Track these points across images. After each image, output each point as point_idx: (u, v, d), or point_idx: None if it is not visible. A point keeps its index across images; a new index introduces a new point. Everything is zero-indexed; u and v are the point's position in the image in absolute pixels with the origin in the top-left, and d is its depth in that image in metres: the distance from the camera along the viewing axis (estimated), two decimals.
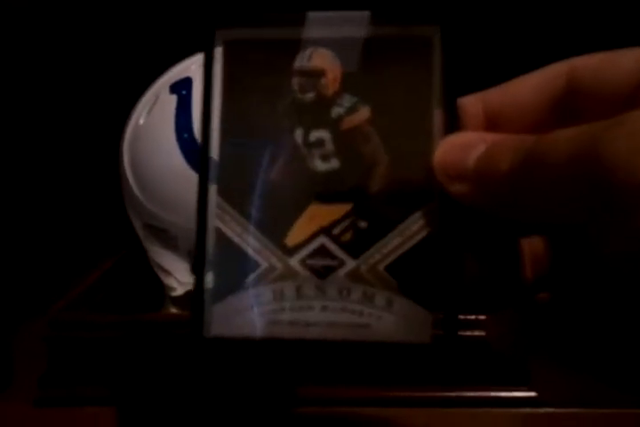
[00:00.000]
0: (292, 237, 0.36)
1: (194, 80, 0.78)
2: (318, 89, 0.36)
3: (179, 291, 0.79)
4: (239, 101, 0.37)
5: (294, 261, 0.35)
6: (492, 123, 0.35)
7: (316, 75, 0.36)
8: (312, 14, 0.37)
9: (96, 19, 0.96)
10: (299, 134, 0.36)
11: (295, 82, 0.36)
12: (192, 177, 0.73)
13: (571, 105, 0.34)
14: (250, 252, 0.36)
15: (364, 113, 0.36)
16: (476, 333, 0.57)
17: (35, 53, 0.88)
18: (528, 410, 0.67)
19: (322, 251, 0.35)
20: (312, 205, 0.36)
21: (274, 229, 0.36)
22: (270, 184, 0.36)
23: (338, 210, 0.35)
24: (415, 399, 0.68)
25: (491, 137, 0.33)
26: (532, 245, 0.35)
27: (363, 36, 0.36)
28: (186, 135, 0.76)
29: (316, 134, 0.36)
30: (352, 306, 0.35)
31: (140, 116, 0.81)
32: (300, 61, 0.36)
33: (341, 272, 0.35)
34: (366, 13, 0.36)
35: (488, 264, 0.35)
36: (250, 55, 0.37)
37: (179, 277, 0.79)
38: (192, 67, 0.81)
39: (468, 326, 0.56)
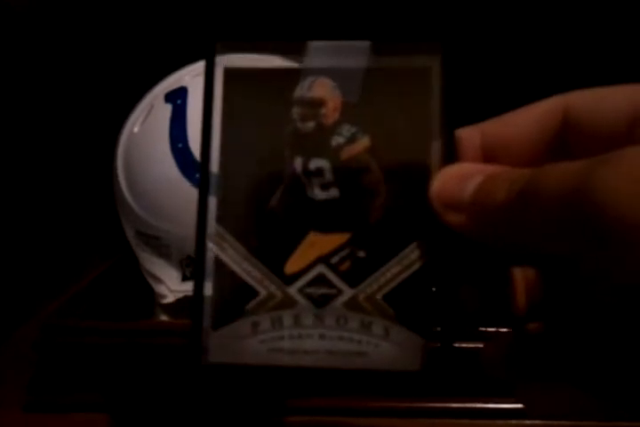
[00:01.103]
0: (291, 266, 0.36)
1: (189, 90, 0.79)
2: (318, 118, 0.36)
3: (169, 298, 0.79)
4: (239, 129, 0.37)
5: (293, 290, 0.36)
6: (490, 155, 0.36)
7: (316, 104, 0.36)
8: (313, 43, 0.37)
9: (92, 27, 0.96)
10: (298, 163, 0.36)
11: (295, 111, 0.37)
12: (185, 186, 0.75)
13: (567, 139, 0.34)
14: (248, 280, 0.36)
15: (363, 143, 0.36)
16: (463, 345, 0.57)
17: (31, 60, 0.88)
18: (515, 422, 0.67)
19: (320, 280, 0.36)
20: (311, 234, 0.36)
21: (273, 257, 0.36)
22: (270, 212, 0.36)
23: (337, 239, 0.36)
24: (401, 410, 0.68)
25: (488, 168, 0.34)
26: (526, 274, 0.35)
27: (363, 65, 0.36)
28: (180, 145, 0.76)
29: (315, 163, 0.36)
30: (350, 334, 0.35)
31: (134, 125, 0.81)
32: (301, 91, 0.37)
33: (339, 301, 0.35)
34: (367, 43, 0.37)
35: (481, 293, 0.36)
36: (250, 83, 0.37)
37: (170, 285, 0.79)
38: (187, 77, 0.81)
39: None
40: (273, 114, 0.37)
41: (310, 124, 0.36)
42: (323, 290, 0.36)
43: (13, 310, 0.83)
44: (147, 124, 0.80)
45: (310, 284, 0.36)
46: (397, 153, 0.36)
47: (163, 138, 0.77)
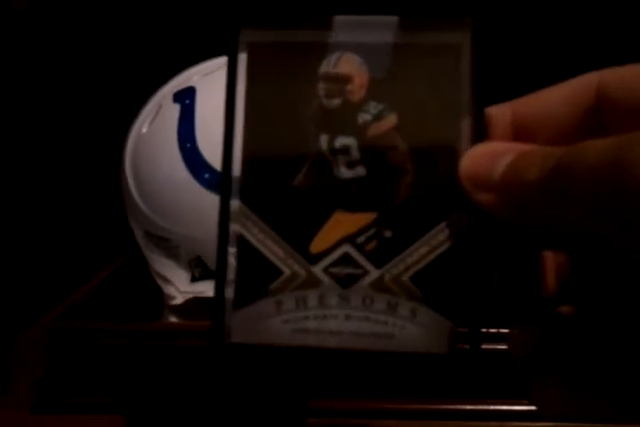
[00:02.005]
0: (316, 245, 0.35)
1: (197, 89, 0.79)
2: (344, 95, 0.36)
3: (178, 300, 0.79)
4: (263, 105, 0.36)
5: (318, 269, 0.35)
6: (520, 133, 0.35)
7: (342, 81, 0.36)
8: (339, 18, 0.36)
9: (100, 26, 0.96)
10: (324, 140, 0.36)
11: (321, 87, 0.36)
12: (194, 187, 0.75)
13: (599, 118, 0.34)
14: (272, 259, 0.35)
15: (390, 120, 0.35)
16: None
17: (39, 61, 0.88)
18: (528, 424, 0.66)
19: (346, 259, 0.35)
20: (337, 213, 0.35)
21: (297, 236, 0.35)
22: (294, 190, 0.35)
23: (363, 218, 0.35)
24: (413, 412, 0.68)
25: (519, 147, 0.33)
26: (556, 257, 0.35)
27: (390, 41, 0.36)
28: (188, 145, 0.76)
29: (341, 141, 0.35)
30: (375, 315, 0.35)
31: (142, 125, 0.81)
32: (327, 66, 0.36)
33: (365, 281, 0.35)
34: (395, 18, 0.36)
35: (510, 276, 0.35)
36: (274, 58, 0.36)
37: (179, 286, 0.79)
38: (195, 76, 0.81)
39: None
40: (298, 90, 0.36)
41: (336, 101, 0.36)
42: (348, 270, 0.35)
43: (22, 312, 0.83)
44: (155, 125, 0.80)
45: (335, 263, 0.35)
46: (425, 131, 0.35)
47: (171, 138, 0.77)
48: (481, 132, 0.35)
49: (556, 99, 0.35)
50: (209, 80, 0.80)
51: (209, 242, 0.76)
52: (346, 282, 0.35)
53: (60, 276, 0.87)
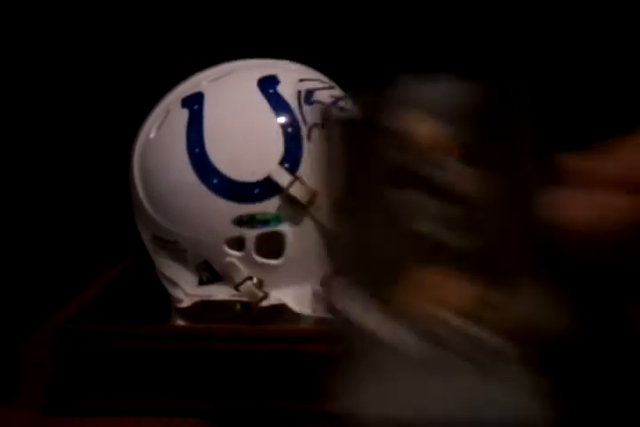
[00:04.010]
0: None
1: (206, 95, 0.79)
2: (409, 150, 0.36)
3: (186, 303, 0.79)
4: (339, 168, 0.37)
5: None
6: (591, 181, 0.35)
7: (406, 136, 0.36)
8: (399, 77, 0.37)
9: (108, 31, 0.96)
10: (395, 195, 0.36)
11: (386, 143, 0.36)
12: (202, 191, 0.75)
13: None
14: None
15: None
16: None
17: (46, 66, 0.88)
18: None
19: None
20: (421, 272, 0.35)
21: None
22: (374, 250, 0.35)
23: (459, 281, 0.35)
24: None
25: (599, 197, 0.34)
26: None
27: (449, 97, 0.36)
28: (197, 150, 0.76)
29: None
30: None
31: (150, 130, 0.81)
32: (390, 123, 0.36)
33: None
34: (450, 76, 0.36)
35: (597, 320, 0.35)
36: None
37: (186, 289, 0.79)
38: (203, 82, 0.81)
39: None
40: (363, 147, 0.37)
41: (402, 157, 0.36)
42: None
43: (29, 314, 0.83)
44: (163, 130, 0.80)
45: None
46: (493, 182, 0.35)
47: (179, 143, 0.78)
48: (550, 180, 0.35)
49: (626, 149, 0.35)
50: (217, 86, 0.80)
51: (216, 246, 0.77)
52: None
53: (67, 278, 0.88)
